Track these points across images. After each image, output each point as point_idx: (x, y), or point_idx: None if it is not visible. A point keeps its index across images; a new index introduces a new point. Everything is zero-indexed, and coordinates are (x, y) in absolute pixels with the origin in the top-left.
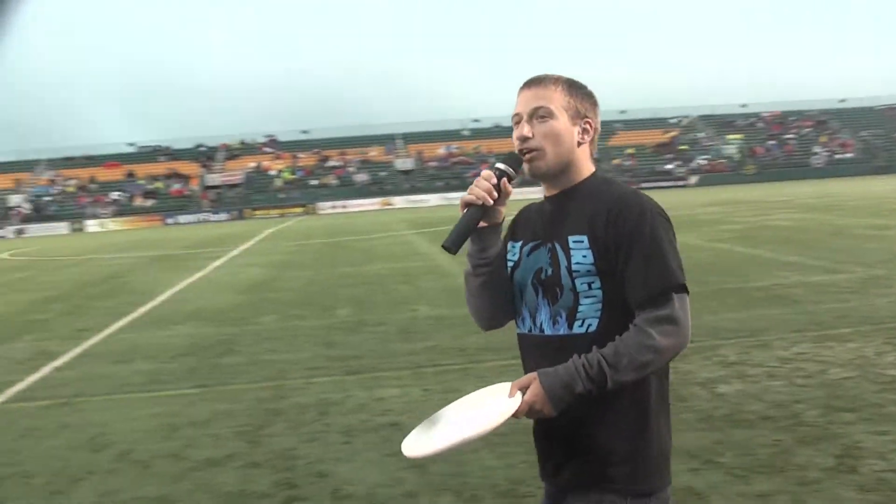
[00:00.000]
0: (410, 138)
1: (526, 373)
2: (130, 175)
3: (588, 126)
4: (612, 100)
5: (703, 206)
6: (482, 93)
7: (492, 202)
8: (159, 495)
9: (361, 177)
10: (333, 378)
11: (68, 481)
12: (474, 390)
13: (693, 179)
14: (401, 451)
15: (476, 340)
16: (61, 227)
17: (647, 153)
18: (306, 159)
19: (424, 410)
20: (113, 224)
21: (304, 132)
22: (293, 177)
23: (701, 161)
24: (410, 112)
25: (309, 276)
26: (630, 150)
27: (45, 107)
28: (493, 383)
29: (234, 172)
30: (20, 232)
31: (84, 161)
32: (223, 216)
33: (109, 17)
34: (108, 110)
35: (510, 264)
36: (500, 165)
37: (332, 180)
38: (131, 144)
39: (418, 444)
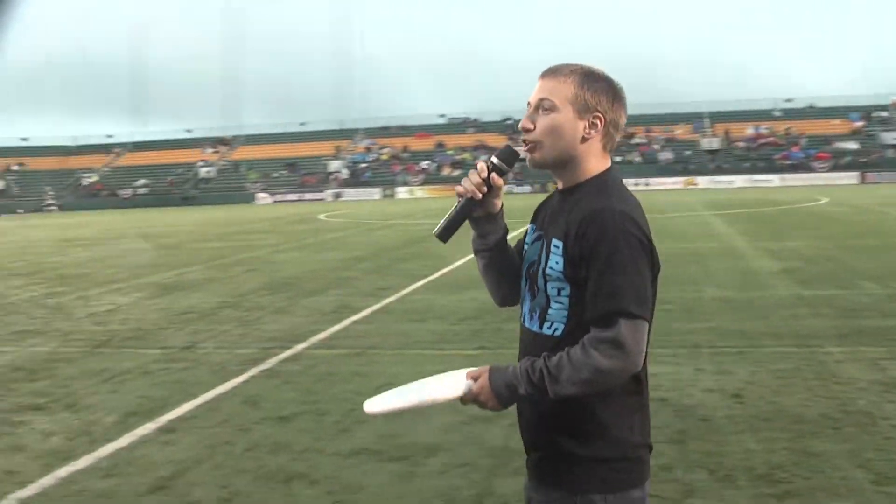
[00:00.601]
0: (718, 117)
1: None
2: (440, 145)
3: (598, 121)
4: None
5: None
6: (796, 71)
7: (480, 196)
8: (431, 443)
9: (666, 155)
10: None
11: (354, 422)
12: (747, 374)
13: None
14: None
15: (757, 325)
16: (374, 193)
17: None
18: None
19: (692, 390)
20: (420, 192)
21: None
22: None
23: None
24: (718, 90)
25: None
26: None
27: (364, 79)
28: (769, 369)
29: None
30: (337, 196)
31: (398, 131)
32: (526, 188)
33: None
34: (422, 84)
35: (525, 247)
36: (494, 160)
37: (636, 157)
38: (442, 116)
39: (377, 403)
